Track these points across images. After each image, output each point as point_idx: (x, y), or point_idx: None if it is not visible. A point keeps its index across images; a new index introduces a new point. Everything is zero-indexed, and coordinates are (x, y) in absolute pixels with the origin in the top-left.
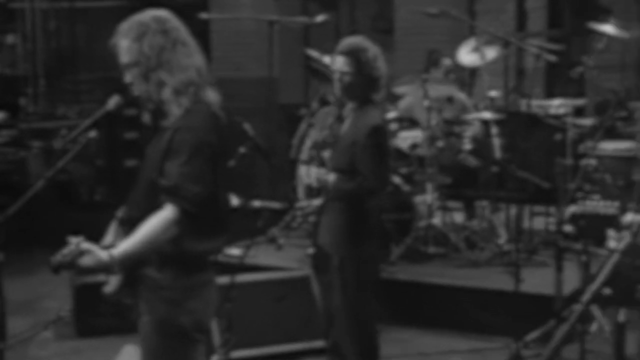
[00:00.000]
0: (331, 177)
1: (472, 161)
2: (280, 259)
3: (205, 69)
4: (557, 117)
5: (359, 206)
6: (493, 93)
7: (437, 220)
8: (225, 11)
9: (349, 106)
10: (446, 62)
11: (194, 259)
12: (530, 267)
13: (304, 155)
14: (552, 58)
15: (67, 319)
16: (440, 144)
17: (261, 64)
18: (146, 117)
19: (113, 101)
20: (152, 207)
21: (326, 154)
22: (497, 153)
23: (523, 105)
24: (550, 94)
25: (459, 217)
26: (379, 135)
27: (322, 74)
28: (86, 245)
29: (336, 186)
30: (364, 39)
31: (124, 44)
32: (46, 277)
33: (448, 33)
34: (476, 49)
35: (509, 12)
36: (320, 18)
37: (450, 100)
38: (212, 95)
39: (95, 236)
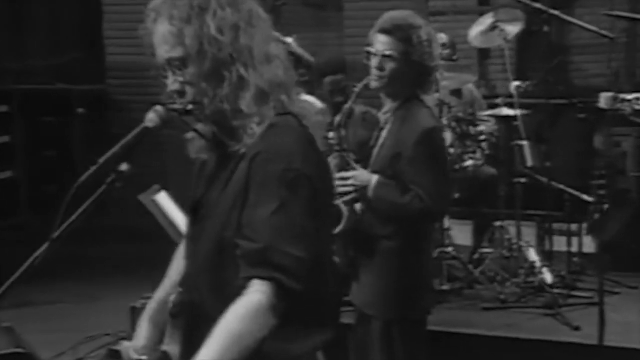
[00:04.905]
0: (374, 180)
1: (489, 170)
2: None
3: (289, 62)
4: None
5: (412, 243)
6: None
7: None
8: None
9: (388, 106)
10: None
11: None
12: (576, 308)
13: None
14: (611, 36)
15: None
16: (452, 149)
17: None
18: (198, 143)
19: (154, 116)
20: (224, 284)
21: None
22: (529, 161)
23: (604, 99)
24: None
25: (459, 239)
26: (433, 141)
27: None
28: None
29: (379, 195)
30: (413, 14)
31: (168, 28)
32: None
33: (408, 7)
34: (494, 27)
35: None
36: None
37: (457, 92)
38: (300, 103)
39: None
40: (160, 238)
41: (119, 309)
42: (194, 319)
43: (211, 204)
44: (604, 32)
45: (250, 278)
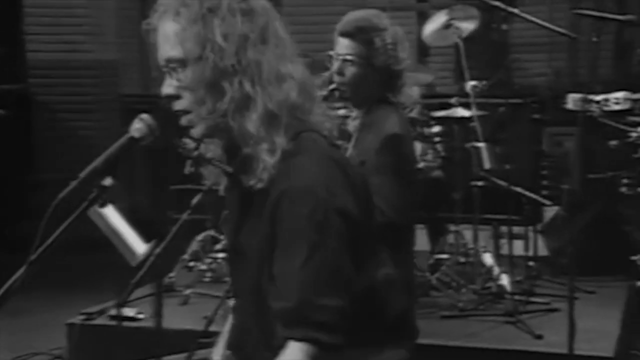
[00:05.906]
0: None
1: (438, 173)
2: (194, 320)
3: (312, 83)
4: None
5: (394, 259)
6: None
7: None
8: None
9: (356, 113)
10: None
11: None
12: (535, 314)
13: None
14: (573, 35)
15: None
16: None
17: (96, 44)
18: (212, 170)
19: (140, 125)
20: (268, 328)
21: None
22: (487, 163)
23: (573, 101)
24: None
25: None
26: (395, 148)
27: None
28: None
29: None
30: (379, 14)
31: (172, 26)
32: None
33: (348, 3)
34: (448, 25)
35: None
36: None
37: None
38: (319, 114)
39: None
40: (104, 250)
41: (55, 325)
42: None
43: (243, 247)
44: (564, 31)
45: (284, 335)
